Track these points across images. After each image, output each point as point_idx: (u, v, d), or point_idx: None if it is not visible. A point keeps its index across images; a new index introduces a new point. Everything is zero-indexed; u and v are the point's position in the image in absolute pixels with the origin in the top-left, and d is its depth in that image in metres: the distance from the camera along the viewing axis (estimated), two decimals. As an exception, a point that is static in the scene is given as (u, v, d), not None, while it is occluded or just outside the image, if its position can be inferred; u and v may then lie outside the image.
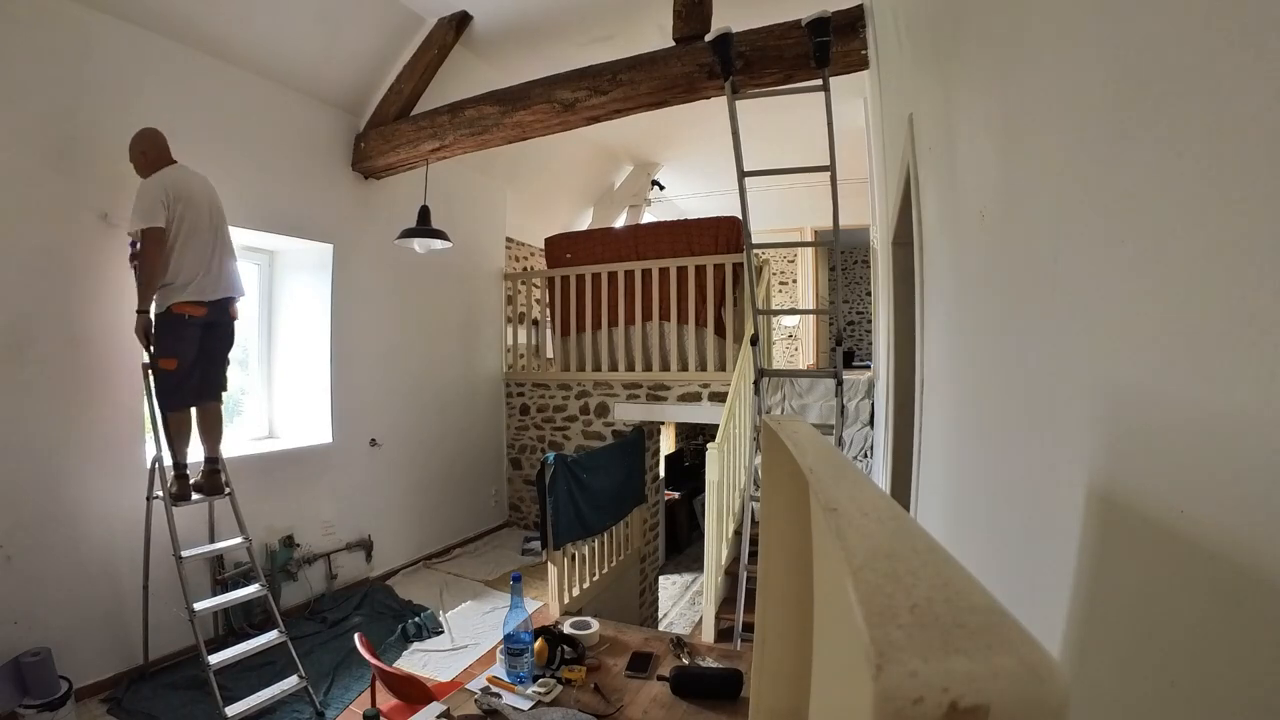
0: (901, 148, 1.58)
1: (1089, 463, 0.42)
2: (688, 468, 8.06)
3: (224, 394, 2.85)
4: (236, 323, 2.82)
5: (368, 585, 4.00)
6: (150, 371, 2.61)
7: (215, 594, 3.00)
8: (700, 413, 4.53)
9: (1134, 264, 0.36)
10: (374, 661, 2.16)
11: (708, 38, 2.68)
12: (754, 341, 3.03)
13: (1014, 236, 0.62)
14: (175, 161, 2.63)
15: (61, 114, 2.61)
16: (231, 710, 2.41)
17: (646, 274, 4.70)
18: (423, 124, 3.66)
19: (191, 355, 2.61)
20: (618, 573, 4.36)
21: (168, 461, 2.66)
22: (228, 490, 2.84)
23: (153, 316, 2.56)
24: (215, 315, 2.66)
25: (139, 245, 2.51)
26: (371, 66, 3.80)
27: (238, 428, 3.81)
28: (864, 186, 4.65)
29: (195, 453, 2.79)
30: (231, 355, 2.90)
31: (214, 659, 2.47)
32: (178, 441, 2.67)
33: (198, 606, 2.54)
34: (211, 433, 2.80)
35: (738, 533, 3.50)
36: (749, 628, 2.41)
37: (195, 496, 2.74)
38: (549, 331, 5.26)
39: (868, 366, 6.03)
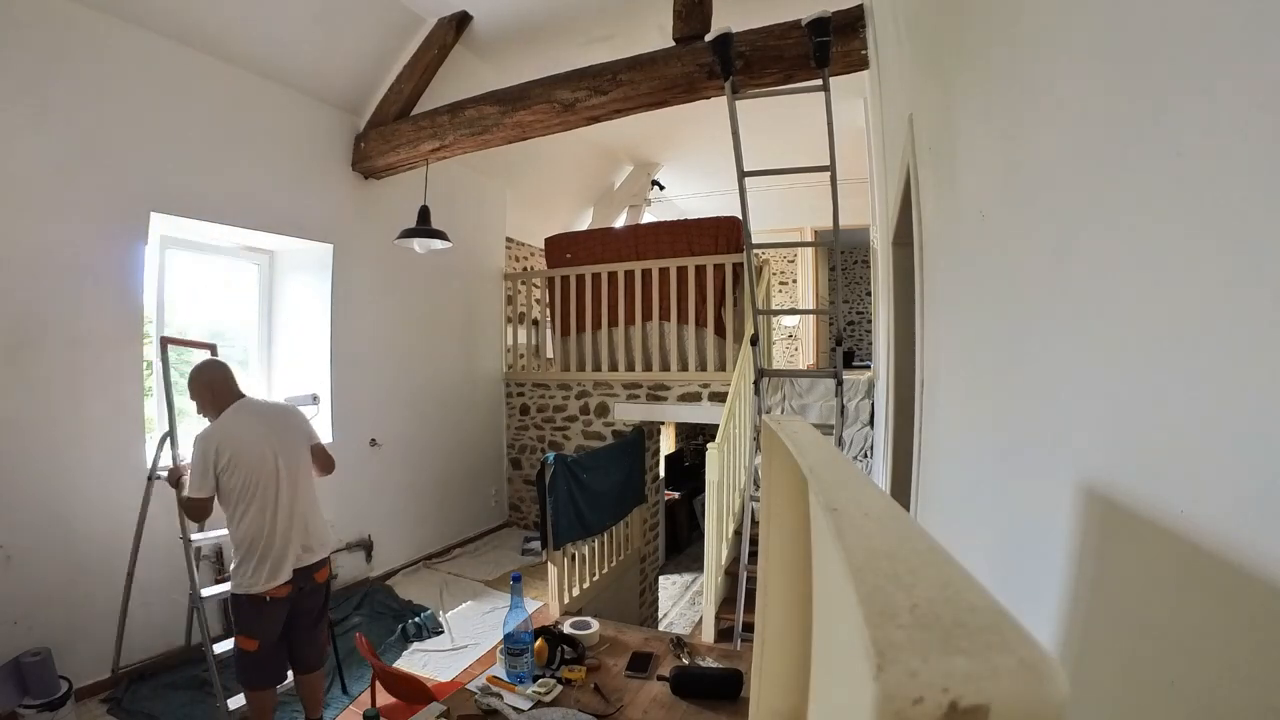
0: (901, 148, 1.58)
1: (1089, 463, 0.42)
2: (688, 468, 8.06)
3: (326, 661, 2.54)
4: (331, 579, 2.45)
5: (368, 585, 3.99)
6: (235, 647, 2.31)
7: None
8: (700, 413, 4.53)
9: (1134, 264, 0.36)
10: (374, 661, 2.17)
11: (708, 38, 2.68)
12: (754, 341, 3.03)
13: (1014, 237, 0.62)
14: (242, 396, 2.29)
15: (61, 114, 2.60)
16: (233, 706, 2.42)
17: (646, 274, 4.70)
18: (423, 124, 3.66)
19: (276, 633, 2.25)
20: (618, 573, 4.35)
21: (167, 460, 2.65)
22: None
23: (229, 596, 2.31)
24: (303, 583, 2.26)
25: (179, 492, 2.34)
26: (371, 66, 3.80)
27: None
28: (864, 186, 4.65)
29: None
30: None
31: (217, 649, 2.49)
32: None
33: (205, 593, 2.57)
34: (313, 698, 2.46)
35: (738, 533, 3.50)
36: (749, 628, 2.41)
37: None
38: (549, 331, 5.26)
39: (868, 366, 6.02)
